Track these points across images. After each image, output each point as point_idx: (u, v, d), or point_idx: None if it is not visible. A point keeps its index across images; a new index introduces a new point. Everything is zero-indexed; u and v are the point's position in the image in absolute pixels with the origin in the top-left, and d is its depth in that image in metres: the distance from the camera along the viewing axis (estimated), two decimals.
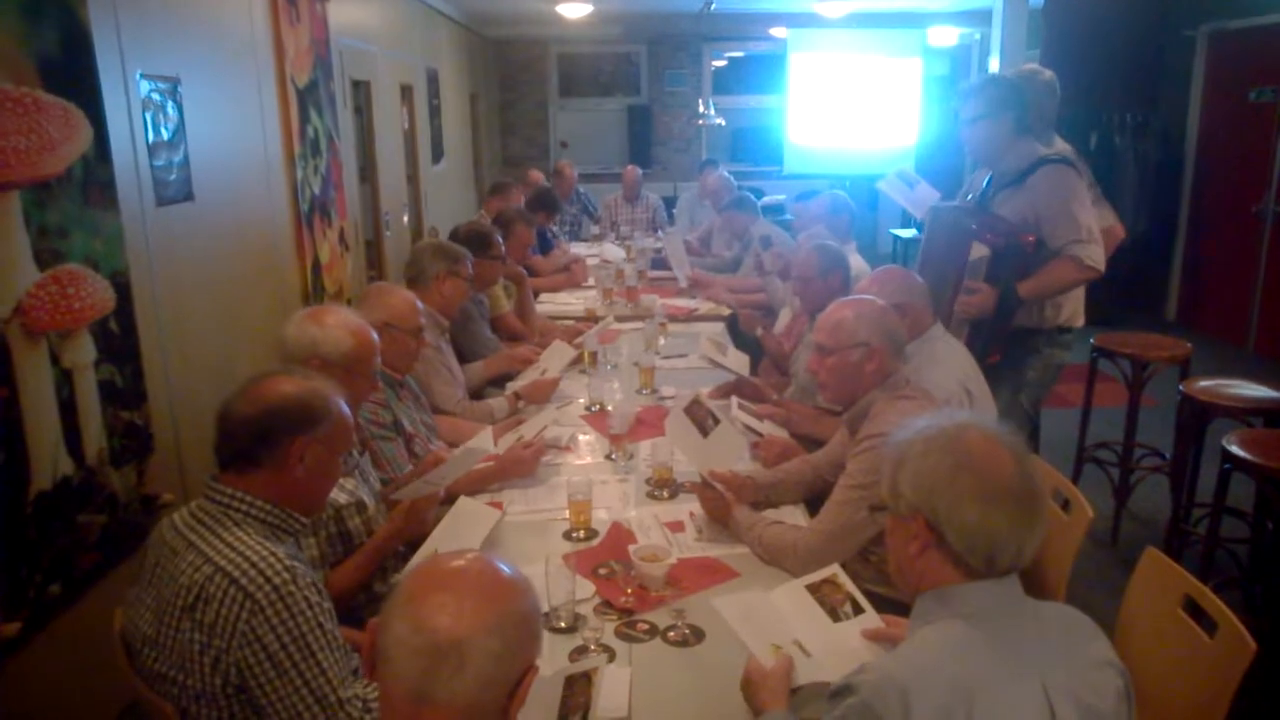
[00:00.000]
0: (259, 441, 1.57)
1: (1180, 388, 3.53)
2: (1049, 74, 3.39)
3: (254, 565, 1.47)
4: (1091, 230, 2.99)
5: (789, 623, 1.72)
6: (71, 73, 2.52)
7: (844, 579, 1.82)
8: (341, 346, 2.17)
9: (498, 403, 3.21)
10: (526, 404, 3.21)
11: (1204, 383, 3.49)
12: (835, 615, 1.75)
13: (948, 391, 2.50)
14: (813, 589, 1.80)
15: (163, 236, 2.97)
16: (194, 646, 1.45)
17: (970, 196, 3.36)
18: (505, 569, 1.12)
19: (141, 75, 2.90)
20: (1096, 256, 2.98)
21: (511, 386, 3.32)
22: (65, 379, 2.45)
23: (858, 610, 1.76)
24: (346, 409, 1.70)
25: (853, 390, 2.27)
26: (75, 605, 2.43)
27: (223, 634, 1.44)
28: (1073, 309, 3.21)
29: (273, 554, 1.49)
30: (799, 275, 3.28)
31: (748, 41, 11.03)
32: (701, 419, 2.51)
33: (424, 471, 2.27)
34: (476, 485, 2.50)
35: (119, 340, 2.69)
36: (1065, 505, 2.30)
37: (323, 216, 4.56)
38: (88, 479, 2.52)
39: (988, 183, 3.26)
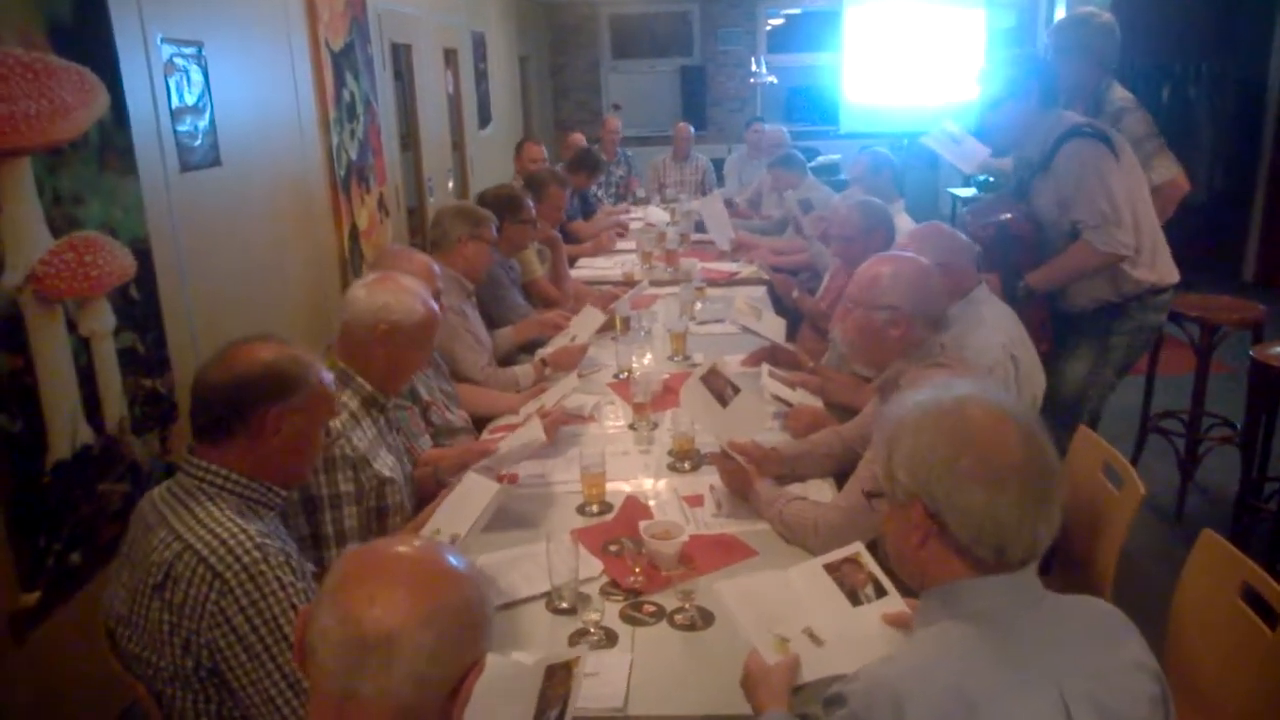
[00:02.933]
0: (232, 410, 1.51)
1: (1251, 353, 3.31)
2: (1107, 16, 3.15)
3: (224, 543, 1.41)
4: (1112, 212, 2.75)
5: (802, 606, 1.59)
6: (86, 37, 2.48)
7: (867, 558, 1.67)
8: (414, 315, 2.12)
9: (523, 370, 3.13)
10: (553, 371, 3.12)
11: (1278, 348, 3.26)
12: (855, 598, 1.60)
13: (991, 358, 2.35)
14: (831, 568, 1.65)
15: (187, 202, 2.94)
16: (164, 627, 1.40)
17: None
18: (448, 557, 1.02)
19: (162, 39, 2.85)
20: (1116, 241, 2.77)
21: (541, 353, 3.23)
22: (83, 347, 2.43)
23: (880, 592, 1.60)
24: (328, 377, 1.62)
25: (876, 354, 2.12)
26: (98, 575, 2.42)
27: (192, 615, 1.39)
28: (1161, 267, 2.93)
29: (243, 531, 1.43)
30: (838, 234, 3.13)
31: None
32: (720, 388, 2.40)
33: (470, 456, 2.22)
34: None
35: (140, 307, 2.67)
36: (1117, 481, 2.15)
37: (360, 182, 4.51)
38: (109, 447, 2.51)
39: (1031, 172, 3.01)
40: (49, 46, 2.33)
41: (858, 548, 1.69)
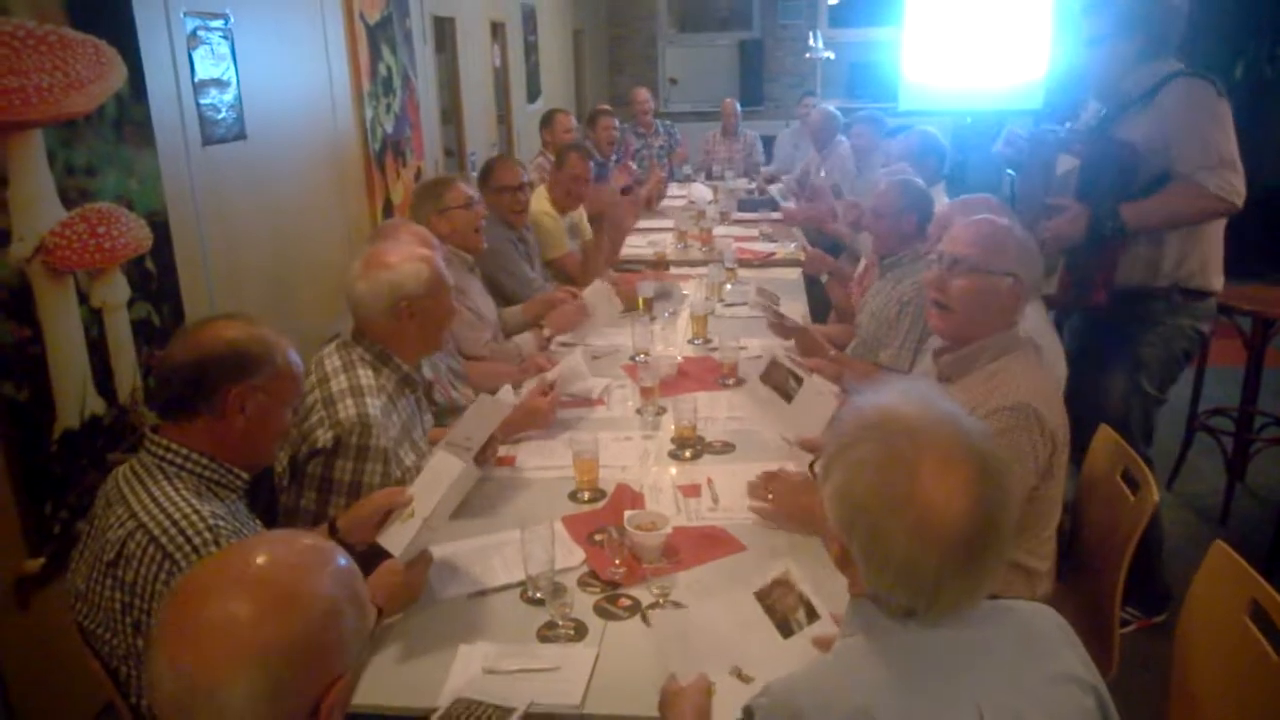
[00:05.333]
0: (194, 389, 1.50)
1: None
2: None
3: (175, 523, 1.40)
4: (1228, 156, 2.52)
5: (730, 642, 1.54)
6: (104, 10, 2.49)
7: (797, 576, 1.58)
8: (422, 277, 2.11)
9: (524, 339, 3.09)
10: (554, 333, 3.07)
11: None
12: (786, 627, 1.53)
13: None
14: (762, 595, 1.58)
15: (209, 176, 2.95)
16: (116, 606, 1.40)
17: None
18: (303, 575, 0.95)
19: (185, 12, 2.86)
20: (1230, 186, 2.51)
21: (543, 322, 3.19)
22: (95, 318, 2.45)
23: (812, 616, 1.52)
24: (295, 357, 1.60)
25: (977, 326, 1.98)
26: None
27: (142, 594, 1.39)
28: (1202, 264, 2.69)
29: (196, 512, 1.42)
30: (874, 206, 3.01)
31: None
32: (782, 382, 2.32)
33: (366, 510, 1.81)
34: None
35: (156, 279, 2.69)
36: (1134, 485, 2.04)
37: (396, 156, 4.51)
38: (120, 418, 2.54)
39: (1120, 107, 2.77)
40: (65, 19, 2.34)
41: (786, 566, 1.62)
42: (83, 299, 2.40)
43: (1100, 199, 2.58)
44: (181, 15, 2.83)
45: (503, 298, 3.35)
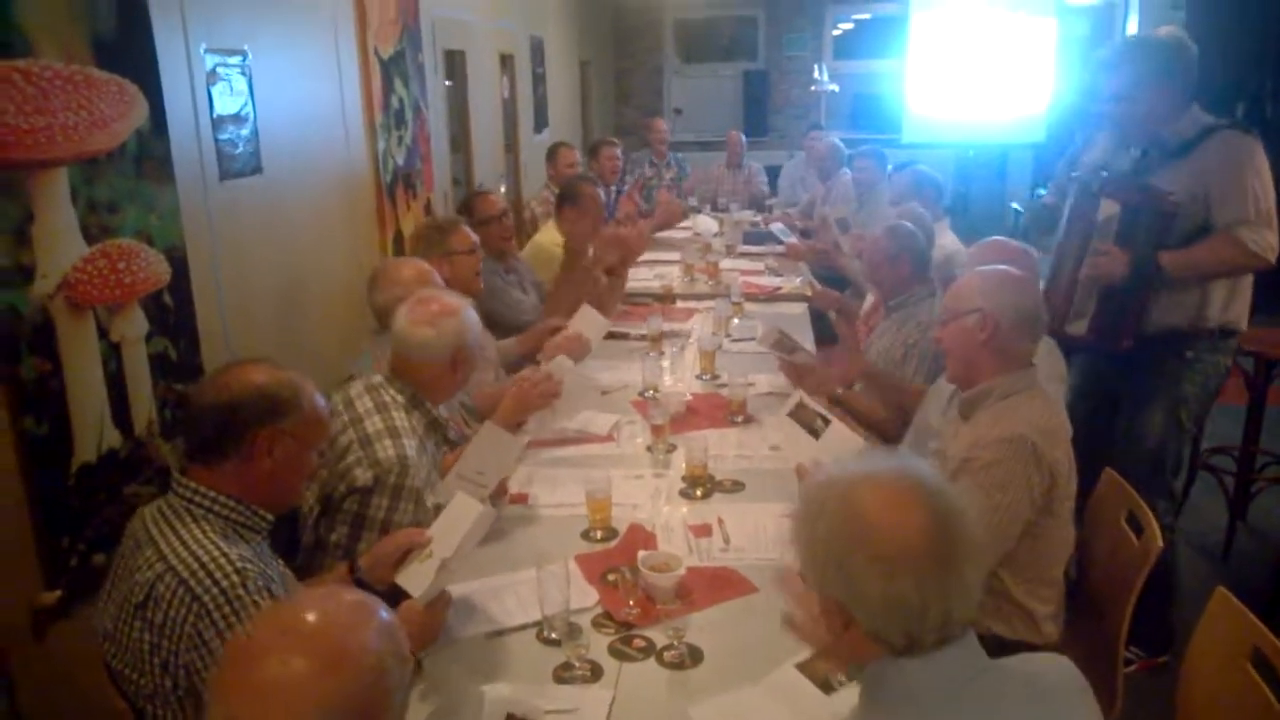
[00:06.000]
0: (224, 432, 1.54)
1: None
2: (1185, 38, 2.91)
3: (203, 566, 1.43)
4: (1268, 213, 2.60)
5: (781, 715, 1.60)
6: (127, 49, 2.54)
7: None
8: (475, 326, 2.22)
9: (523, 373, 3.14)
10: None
11: None
12: (828, 686, 1.62)
13: None
14: (802, 666, 1.67)
15: (226, 210, 2.99)
16: (144, 646, 1.43)
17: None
18: (352, 631, 1.00)
19: (206, 49, 2.91)
20: (1267, 243, 2.60)
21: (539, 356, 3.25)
22: (113, 352, 2.48)
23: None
24: (321, 401, 1.64)
25: (971, 364, 2.09)
26: None
27: (171, 636, 1.41)
28: (1239, 308, 2.81)
29: (224, 555, 1.45)
30: (869, 259, 3.08)
31: (873, 3, 10.57)
32: (809, 421, 2.38)
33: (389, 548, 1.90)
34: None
35: (173, 314, 2.72)
36: (1138, 529, 2.07)
37: (407, 188, 4.56)
38: (136, 451, 2.57)
39: (1142, 153, 2.82)
40: (91, 59, 2.39)
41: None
42: (102, 333, 2.44)
43: (1140, 246, 2.64)
44: (202, 52, 2.89)
45: (499, 328, 3.38)
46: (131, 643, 1.46)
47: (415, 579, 1.73)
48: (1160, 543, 1.95)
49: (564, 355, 2.50)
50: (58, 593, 2.29)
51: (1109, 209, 2.70)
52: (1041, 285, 2.69)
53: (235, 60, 3.09)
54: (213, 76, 2.96)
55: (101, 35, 2.43)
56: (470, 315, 2.19)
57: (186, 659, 1.42)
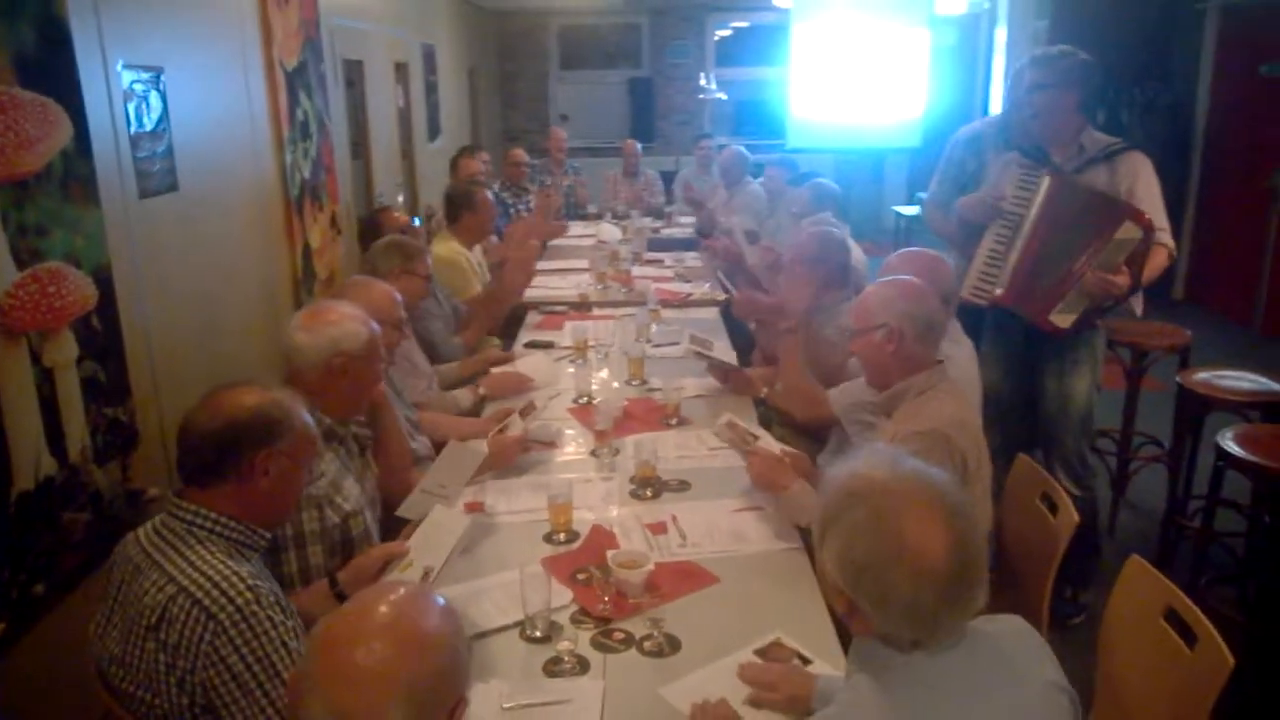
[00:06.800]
0: (221, 455, 1.57)
1: (1178, 379, 3.49)
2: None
3: (216, 585, 1.46)
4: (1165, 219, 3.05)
5: (741, 690, 1.72)
6: (50, 67, 2.48)
7: (789, 641, 1.86)
8: (361, 338, 2.22)
9: (462, 393, 3.23)
10: (489, 395, 3.21)
11: (1202, 374, 3.45)
12: None
13: None
14: (761, 652, 1.82)
15: (146, 229, 2.94)
16: (159, 667, 1.45)
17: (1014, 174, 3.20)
18: (424, 612, 1.10)
19: (123, 66, 2.86)
20: (1172, 243, 3.03)
21: (480, 380, 3.33)
22: (46, 378, 2.43)
23: (806, 662, 1.80)
24: (309, 418, 1.69)
25: (884, 373, 2.28)
26: (60, 605, 2.43)
27: (187, 654, 1.44)
28: None
29: (235, 573, 1.49)
30: (792, 256, 3.23)
31: (752, 11, 10.90)
32: (736, 440, 2.53)
33: (370, 563, 2.02)
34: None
35: (101, 337, 2.67)
36: (1053, 508, 2.28)
37: (314, 200, 4.52)
38: (71, 477, 2.51)
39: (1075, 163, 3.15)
40: (15, 80, 2.34)
41: (779, 633, 1.87)
42: (35, 359, 2.39)
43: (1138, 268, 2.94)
44: (120, 69, 2.84)
45: (430, 345, 3.46)
46: (144, 664, 1.47)
47: None
48: (1076, 519, 2.16)
49: (515, 416, 2.62)
50: (1, 625, 2.23)
51: (1130, 231, 2.90)
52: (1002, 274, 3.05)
53: (150, 76, 3.04)
54: (129, 94, 2.91)
55: (24, 54, 2.37)
56: (359, 328, 2.22)
57: (203, 676, 1.44)
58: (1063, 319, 2.98)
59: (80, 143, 2.59)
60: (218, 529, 1.56)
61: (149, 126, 3.02)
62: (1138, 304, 3.15)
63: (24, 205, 2.35)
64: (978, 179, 3.44)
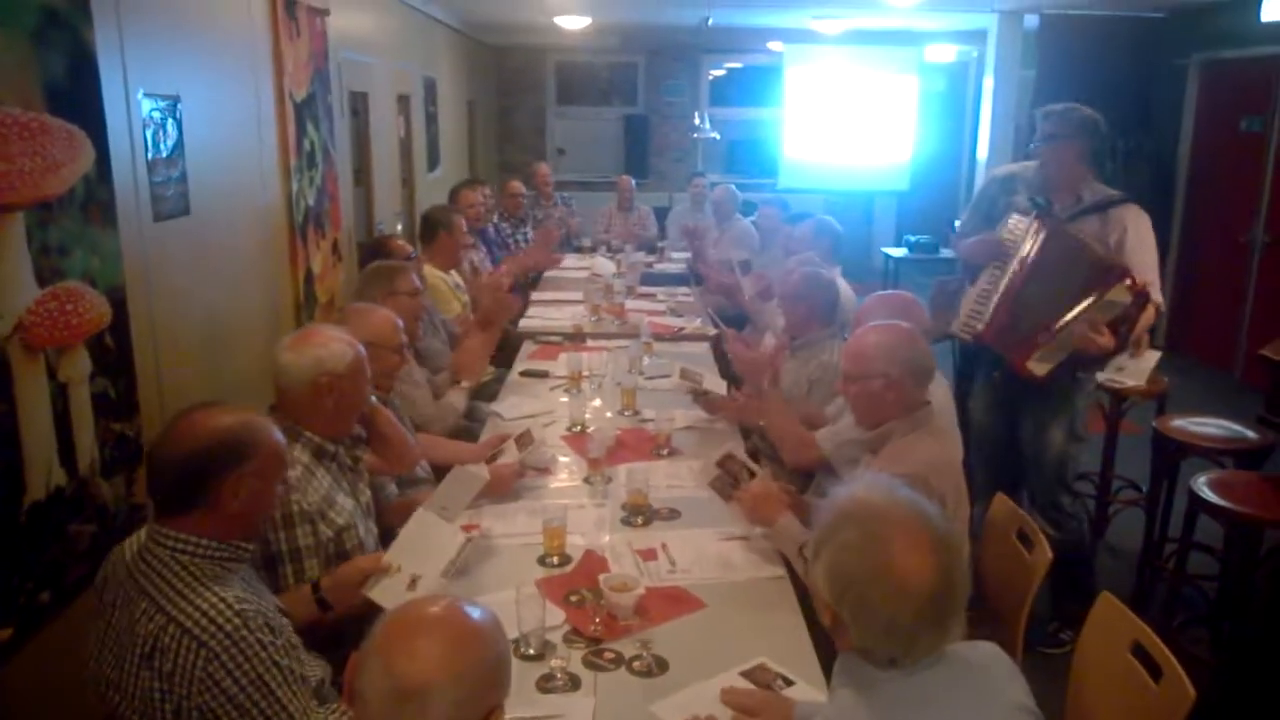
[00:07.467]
0: (189, 485, 1.60)
1: (1154, 425, 3.60)
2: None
3: (205, 614, 1.53)
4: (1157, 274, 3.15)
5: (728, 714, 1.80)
6: (76, 95, 2.58)
7: (773, 664, 1.94)
8: (346, 359, 2.28)
9: (456, 396, 3.35)
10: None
11: (1178, 421, 3.56)
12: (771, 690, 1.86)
13: None
14: (747, 674, 1.91)
15: (159, 251, 3.04)
16: (154, 695, 1.52)
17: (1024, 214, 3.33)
18: (477, 615, 1.21)
19: (144, 94, 2.96)
20: (1161, 298, 3.12)
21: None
22: (61, 392, 2.51)
23: (789, 684, 1.89)
24: (279, 435, 1.75)
25: (878, 416, 2.38)
26: (64, 612, 2.49)
27: (182, 682, 1.50)
28: None
29: (221, 600, 1.55)
30: (782, 293, 3.35)
31: (745, 54, 11.12)
32: (736, 472, 2.57)
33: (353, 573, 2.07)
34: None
35: (114, 354, 2.75)
36: (1029, 545, 2.37)
37: (317, 227, 4.63)
38: (79, 489, 2.59)
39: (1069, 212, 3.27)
40: (44, 106, 2.44)
41: (763, 659, 1.95)
42: (51, 374, 2.47)
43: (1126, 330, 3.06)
44: (140, 97, 2.94)
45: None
46: (139, 691, 1.53)
47: (388, 593, 1.90)
48: (1049, 555, 2.25)
49: (511, 442, 2.77)
50: (9, 630, 2.30)
51: (1120, 294, 3.00)
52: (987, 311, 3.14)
53: (168, 104, 3.15)
54: (148, 121, 3.02)
55: (54, 82, 2.48)
56: (344, 349, 2.29)
57: (199, 701, 1.50)
58: (1039, 367, 3.07)
59: (101, 167, 2.69)
60: (200, 551, 1.60)
61: (165, 152, 3.12)
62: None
63: (48, 226, 2.45)
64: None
